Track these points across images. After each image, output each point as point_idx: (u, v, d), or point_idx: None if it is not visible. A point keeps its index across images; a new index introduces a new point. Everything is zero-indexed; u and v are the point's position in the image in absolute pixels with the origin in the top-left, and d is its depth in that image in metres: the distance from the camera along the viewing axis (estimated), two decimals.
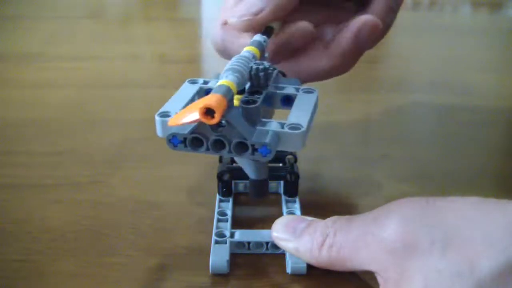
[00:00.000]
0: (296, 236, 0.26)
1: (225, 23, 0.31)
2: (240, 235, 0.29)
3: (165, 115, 0.26)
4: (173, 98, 0.28)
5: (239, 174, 0.33)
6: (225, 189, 0.33)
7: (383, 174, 0.37)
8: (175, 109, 0.26)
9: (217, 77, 0.27)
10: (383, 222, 0.23)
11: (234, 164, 0.34)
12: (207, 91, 0.29)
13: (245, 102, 0.25)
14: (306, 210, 0.32)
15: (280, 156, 0.34)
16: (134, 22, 0.82)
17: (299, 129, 0.24)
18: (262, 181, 0.29)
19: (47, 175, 0.37)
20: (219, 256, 0.28)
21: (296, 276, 0.28)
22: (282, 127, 0.25)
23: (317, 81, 0.32)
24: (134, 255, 0.29)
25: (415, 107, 0.50)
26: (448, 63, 0.62)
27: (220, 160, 0.34)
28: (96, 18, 0.82)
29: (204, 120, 0.22)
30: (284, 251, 0.28)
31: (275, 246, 0.28)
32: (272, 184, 0.34)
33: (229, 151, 0.24)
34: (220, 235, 0.29)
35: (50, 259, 0.29)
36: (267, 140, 0.23)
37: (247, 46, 0.28)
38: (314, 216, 0.27)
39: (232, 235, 0.29)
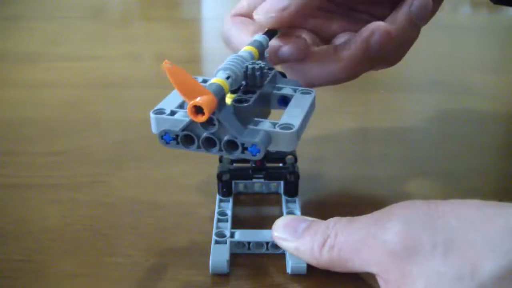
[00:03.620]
0: (297, 236, 0.26)
1: (234, 15, 0.32)
2: (240, 235, 0.29)
3: (160, 112, 0.26)
4: (169, 97, 0.28)
5: (239, 174, 0.33)
6: (225, 189, 0.33)
7: (383, 174, 0.37)
8: (171, 107, 0.26)
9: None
10: (385, 225, 0.23)
11: (234, 165, 0.34)
12: None
13: (237, 101, 0.25)
14: (306, 210, 0.32)
15: (280, 156, 0.34)
16: (134, 22, 0.82)
17: (291, 129, 0.24)
18: None
19: (47, 175, 0.37)
20: (219, 256, 0.28)
21: (296, 276, 0.28)
22: (274, 127, 0.24)
23: (326, 85, 0.32)
24: (134, 255, 0.29)
25: (415, 107, 0.50)
26: (448, 63, 0.62)
27: (220, 160, 0.34)
28: (96, 18, 0.82)
29: (193, 117, 0.22)
30: (284, 251, 0.28)
31: (275, 246, 0.28)
32: (272, 184, 0.34)
33: (220, 149, 0.24)
34: (220, 235, 0.29)
35: (50, 259, 0.29)
36: (257, 139, 0.23)
37: (247, 46, 0.28)
38: (314, 216, 0.27)
39: (232, 235, 0.29)
